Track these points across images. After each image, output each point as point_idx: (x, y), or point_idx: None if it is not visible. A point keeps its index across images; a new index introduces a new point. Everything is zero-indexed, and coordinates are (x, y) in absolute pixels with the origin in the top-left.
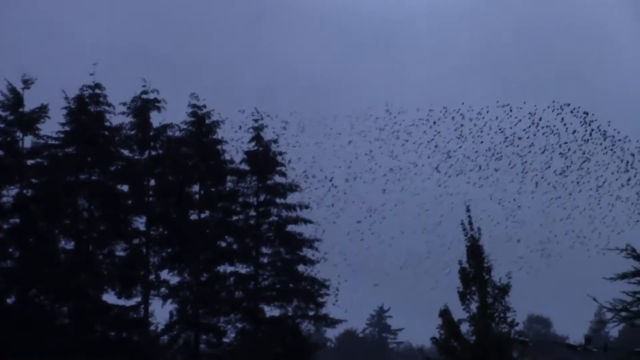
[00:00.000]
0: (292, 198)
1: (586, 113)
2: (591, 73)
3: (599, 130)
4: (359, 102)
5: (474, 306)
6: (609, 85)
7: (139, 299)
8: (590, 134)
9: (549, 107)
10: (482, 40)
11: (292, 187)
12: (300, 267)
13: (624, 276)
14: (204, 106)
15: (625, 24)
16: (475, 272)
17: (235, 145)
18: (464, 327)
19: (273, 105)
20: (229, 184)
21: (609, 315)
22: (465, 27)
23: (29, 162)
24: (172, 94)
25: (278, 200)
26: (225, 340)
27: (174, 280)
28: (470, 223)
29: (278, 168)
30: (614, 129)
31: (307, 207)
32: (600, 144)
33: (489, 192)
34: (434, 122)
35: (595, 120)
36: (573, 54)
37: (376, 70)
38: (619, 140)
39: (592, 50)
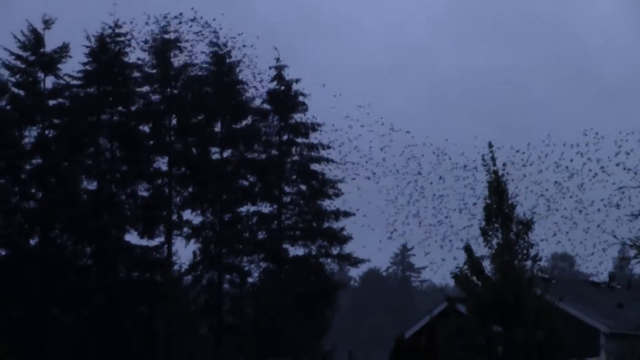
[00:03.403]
0: (315, 138)
1: None
2: None
3: None
4: None
5: (496, 243)
6: None
7: (162, 239)
8: None
9: None
10: None
11: (314, 127)
12: (324, 204)
13: None
14: (225, 45)
15: None
16: (498, 208)
17: (255, 84)
18: (487, 266)
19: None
20: (251, 123)
21: (632, 252)
22: None
23: (51, 102)
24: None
25: (300, 140)
26: (249, 280)
27: (197, 220)
28: (493, 158)
29: (300, 107)
30: None
31: (329, 147)
32: None
33: None
34: None
35: None
36: None
37: None
38: None
39: None
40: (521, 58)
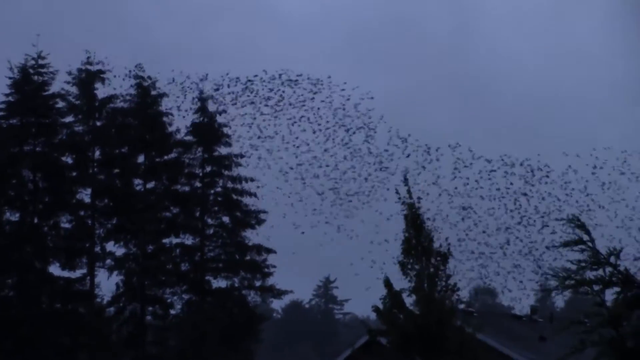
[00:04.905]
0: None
1: None
2: None
3: None
4: None
5: (415, 275)
6: None
7: (84, 270)
8: None
9: None
10: None
11: (238, 159)
12: (247, 234)
13: (566, 244)
14: (149, 77)
15: None
16: (416, 241)
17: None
18: (408, 299)
19: None
20: (175, 155)
21: (553, 283)
22: None
23: None
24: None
25: (224, 172)
26: (172, 312)
27: (120, 251)
28: (408, 192)
29: (223, 139)
30: None
31: (252, 179)
32: None
33: None
34: None
35: None
36: None
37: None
38: None
39: None
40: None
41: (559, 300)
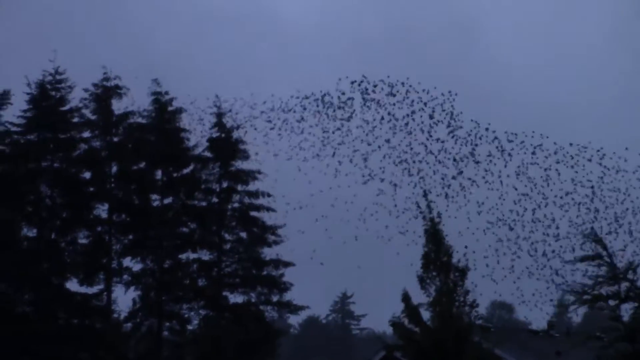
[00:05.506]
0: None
1: None
2: None
3: None
4: None
5: (434, 290)
6: None
7: (101, 286)
8: None
9: None
10: None
11: (255, 174)
12: (264, 250)
13: (583, 259)
14: (167, 92)
15: None
16: (435, 255)
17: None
18: (425, 313)
19: None
20: (192, 170)
21: (571, 299)
22: None
23: None
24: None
25: (240, 187)
26: (189, 327)
27: (137, 267)
28: (429, 206)
29: (240, 154)
30: None
31: (269, 195)
32: None
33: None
34: None
35: None
36: None
37: None
38: None
39: None
40: None
41: (576, 315)
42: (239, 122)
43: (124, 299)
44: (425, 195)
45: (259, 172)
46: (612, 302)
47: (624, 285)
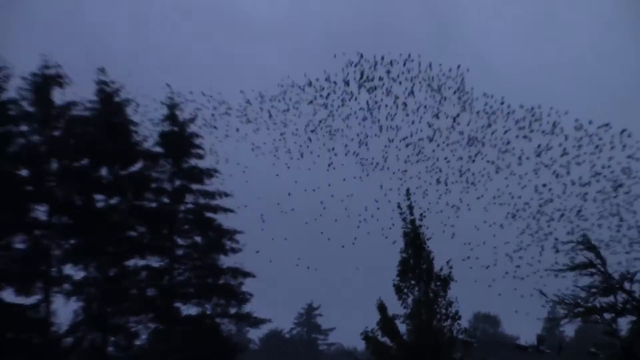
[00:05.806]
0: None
1: None
2: None
3: None
4: None
5: (412, 300)
6: None
7: (39, 296)
8: None
9: None
10: None
11: (211, 172)
12: (221, 259)
13: (574, 268)
14: (113, 82)
15: None
16: (414, 262)
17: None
18: (402, 326)
19: None
20: (140, 168)
21: (562, 312)
22: None
23: None
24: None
25: (195, 186)
26: (136, 342)
27: (79, 275)
28: (410, 207)
29: (194, 150)
30: None
31: (227, 194)
32: None
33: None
34: None
35: None
36: None
37: None
38: None
39: None
40: None
41: (569, 329)
42: (195, 114)
43: (65, 310)
44: (407, 194)
45: (215, 170)
46: (607, 316)
47: (621, 296)
